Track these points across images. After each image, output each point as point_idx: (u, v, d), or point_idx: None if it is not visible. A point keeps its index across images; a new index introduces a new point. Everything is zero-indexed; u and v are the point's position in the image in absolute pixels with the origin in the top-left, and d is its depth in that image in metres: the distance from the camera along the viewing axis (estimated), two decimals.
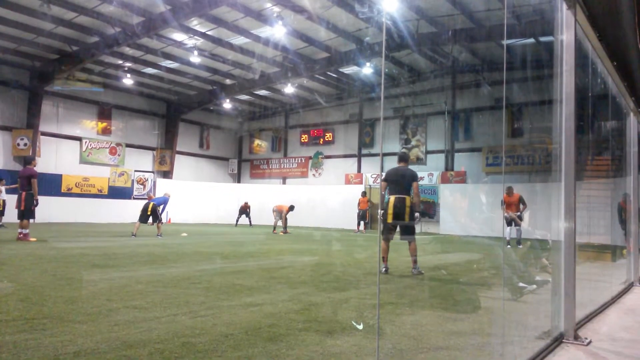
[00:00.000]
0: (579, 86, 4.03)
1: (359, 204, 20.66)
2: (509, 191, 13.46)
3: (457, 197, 21.79)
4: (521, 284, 5.47)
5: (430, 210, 22.80)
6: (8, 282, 5.56)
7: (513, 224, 12.85)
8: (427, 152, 24.42)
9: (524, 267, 7.52)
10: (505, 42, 17.97)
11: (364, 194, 20.92)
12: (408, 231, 7.39)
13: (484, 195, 20.76)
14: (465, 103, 23.24)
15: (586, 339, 3.69)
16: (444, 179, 23.00)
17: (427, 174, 23.68)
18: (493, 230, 18.05)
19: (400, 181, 7.38)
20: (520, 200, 13.01)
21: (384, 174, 8.06)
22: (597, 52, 4.88)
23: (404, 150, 23.88)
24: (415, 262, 7.19)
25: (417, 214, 7.31)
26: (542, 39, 16.84)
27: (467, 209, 21.28)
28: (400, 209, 7.20)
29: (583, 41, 4.51)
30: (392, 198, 7.26)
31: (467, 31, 17.81)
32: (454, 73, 23.14)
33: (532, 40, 17.43)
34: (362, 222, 20.60)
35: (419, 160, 24.49)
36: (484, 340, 3.71)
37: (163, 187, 25.13)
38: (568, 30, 3.93)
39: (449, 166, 23.48)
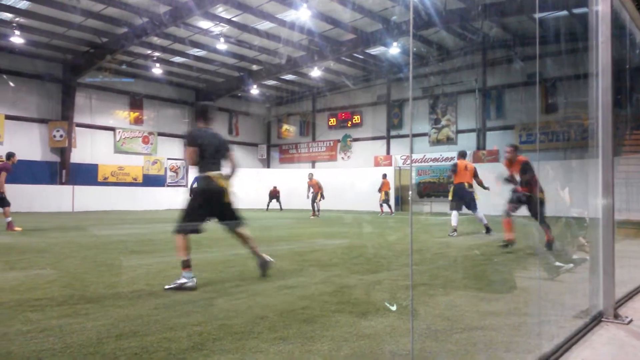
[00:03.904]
0: (615, 58, 3.88)
1: (381, 186, 20.24)
2: (462, 156, 11.07)
3: (490, 177, 21.39)
4: (558, 263, 5.37)
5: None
6: (51, 269, 5.78)
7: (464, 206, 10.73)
8: (458, 132, 24.04)
9: (561, 246, 7.38)
10: (537, 15, 17.40)
11: (384, 176, 20.54)
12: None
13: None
14: (496, 80, 22.71)
15: (627, 317, 3.61)
16: (476, 159, 22.61)
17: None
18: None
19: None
20: (475, 173, 10.73)
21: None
22: (635, 22, 4.68)
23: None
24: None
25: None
26: (576, 10, 16.22)
27: (500, 188, 20.89)
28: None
29: (620, 11, 4.33)
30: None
31: (498, 5, 17.31)
32: (484, 49, 22.59)
33: (565, 12, 16.82)
34: (385, 205, 20.21)
35: (450, 140, 24.14)
36: (520, 320, 3.67)
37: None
38: (603, 0, 3.78)
39: (480, 145, 23.06)
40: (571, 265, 5.49)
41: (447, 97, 24.26)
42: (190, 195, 5.22)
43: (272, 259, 5.41)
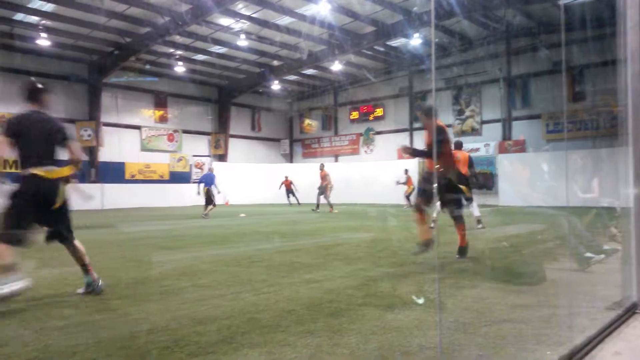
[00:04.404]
0: None
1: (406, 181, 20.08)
2: (457, 147, 9.43)
3: (517, 167, 21.04)
4: (588, 254, 5.26)
5: (488, 182, 22.22)
6: None
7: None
8: (483, 122, 23.69)
9: (592, 236, 7.23)
10: (562, 1, 16.99)
11: (406, 171, 20.34)
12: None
13: (545, 164, 19.93)
14: (521, 69, 22.28)
15: None
16: (502, 149, 22.27)
17: (483, 144, 23.01)
18: (556, 200, 17.37)
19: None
20: (470, 163, 9.37)
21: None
22: None
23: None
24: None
25: None
26: None
27: (528, 178, 20.52)
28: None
29: None
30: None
31: None
32: (508, 38, 22.16)
33: None
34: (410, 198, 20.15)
35: (474, 131, 23.82)
36: (550, 312, 3.61)
37: (215, 169, 25.86)
38: None
39: (506, 135, 22.70)
40: (602, 255, 5.38)
41: (471, 87, 23.91)
42: (11, 199, 3.97)
43: (101, 284, 4.37)
